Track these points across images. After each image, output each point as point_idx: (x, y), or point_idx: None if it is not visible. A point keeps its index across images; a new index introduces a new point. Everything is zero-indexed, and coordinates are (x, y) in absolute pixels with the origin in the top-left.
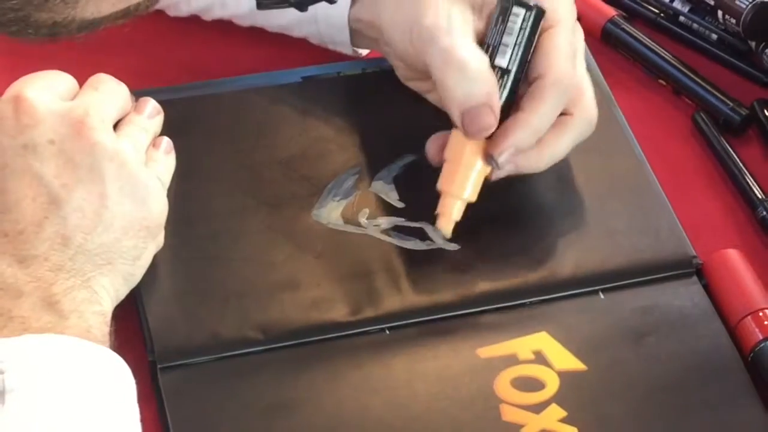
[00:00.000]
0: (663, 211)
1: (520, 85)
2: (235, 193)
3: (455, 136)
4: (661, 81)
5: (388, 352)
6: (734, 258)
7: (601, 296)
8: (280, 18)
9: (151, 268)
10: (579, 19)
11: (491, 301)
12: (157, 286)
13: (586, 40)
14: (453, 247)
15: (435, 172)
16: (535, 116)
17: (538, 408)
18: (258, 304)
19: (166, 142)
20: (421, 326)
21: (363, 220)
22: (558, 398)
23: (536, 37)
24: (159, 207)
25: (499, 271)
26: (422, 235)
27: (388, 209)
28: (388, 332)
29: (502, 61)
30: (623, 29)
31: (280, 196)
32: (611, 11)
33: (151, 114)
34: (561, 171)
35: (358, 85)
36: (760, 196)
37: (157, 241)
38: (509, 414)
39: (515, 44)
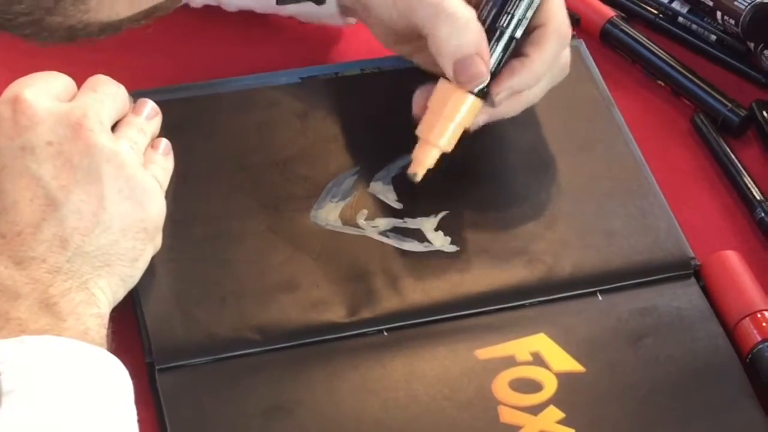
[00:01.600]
0: (661, 212)
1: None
2: (233, 194)
3: (441, 86)
4: (659, 82)
5: (387, 353)
6: (732, 259)
7: (599, 297)
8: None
9: (149, 269)
10: (578, 20)
11: (489, 303)
12: (155, 287)
13: (586, 41)
14: (452, 248)
15: (434, 172)
16: (539, 61)
17: (536, 409)
18: (256, 306)
19: (165, 143)
20: (419, 327)
21: (361, 222)
22: (556, 400)
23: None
24: (157, 209)
25: (497, 272)
26: (420, 237)
27: (387, 210)
28: (386, 333)
29: (503, 22)
30: (622, 30)
31: (279, 197)
32: (610, 12)
33: (150, 115)
34: (560, 172)
35: (356, 85)
36: (758, 198)
37: (155, 243)
38: (507, 415)
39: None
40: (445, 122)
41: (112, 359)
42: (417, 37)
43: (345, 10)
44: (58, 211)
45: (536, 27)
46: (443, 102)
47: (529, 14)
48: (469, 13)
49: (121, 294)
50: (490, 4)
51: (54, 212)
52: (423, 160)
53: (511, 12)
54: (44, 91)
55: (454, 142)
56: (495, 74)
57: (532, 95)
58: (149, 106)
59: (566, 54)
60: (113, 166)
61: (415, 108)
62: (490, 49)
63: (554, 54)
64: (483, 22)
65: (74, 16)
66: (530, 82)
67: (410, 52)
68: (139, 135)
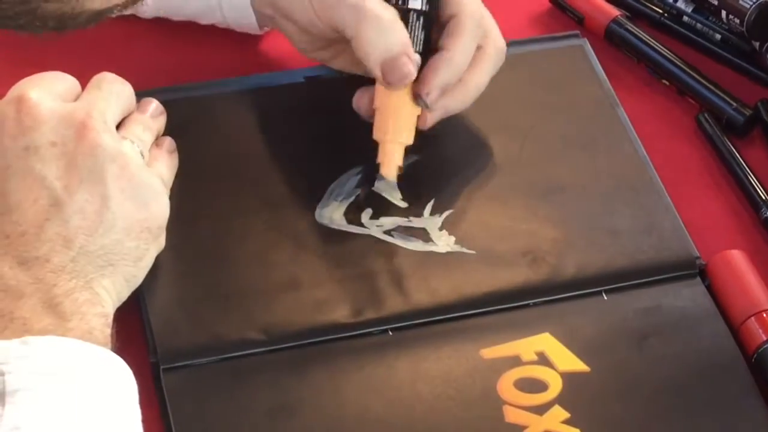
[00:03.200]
0: (666, 211)
1: (434, 27)
2: (238, 193)
3: (380, 86)
4: (664, 81)
5: (391, 353)
6: (738, 259)
7: (604, 297)
8: (185, 8)
9: (153, 269)
10: (582, 19)
11: (494, 303)
12: (160, 287)
13: (590, 40)
14: (456, 248)
15: (439, 171)
16: (458, 53)
17: (541, 409)
18: (260, 305)
19: (169, 142)
20: (424, 327)
21: (366, 221)
22: (561, 399)
23: None
24: (161, 208)
25: (502, 272)
26: (425, 236)
27: (391, 209)
28: (390, 333)
29: (416, 3)
30: (627, 29)
31: (283, 196)
32: (615, 11)
33: (155, 114)
34: (564, 171)
35: (361, 85)
36: (763, 197)
37: (159, 243)
38: (512, 415)
39: None
40: (396, 119)
41: (116, 359)
42: (337, 41)
43: (263, 19)
44: (62, 211)
45: (450, 17)
46: (387, 101)
47: None
48: (392, 13)
49: (125, 294)
50: None
51: (58, 212)
52: (389, 160)
53: None
54: (48, 91)
55: (412, 132)
56: (423, 53)
57: (477, 84)
58: (154, 104)
59: (500, 38)
60: (117, 166)
61: (361, 110)
62: (411, 32)
63: (471, 42)
64: (395, 5)
65: (69, 3)
66: (455, 74)
67: (330, 57)
68: (145, 133)
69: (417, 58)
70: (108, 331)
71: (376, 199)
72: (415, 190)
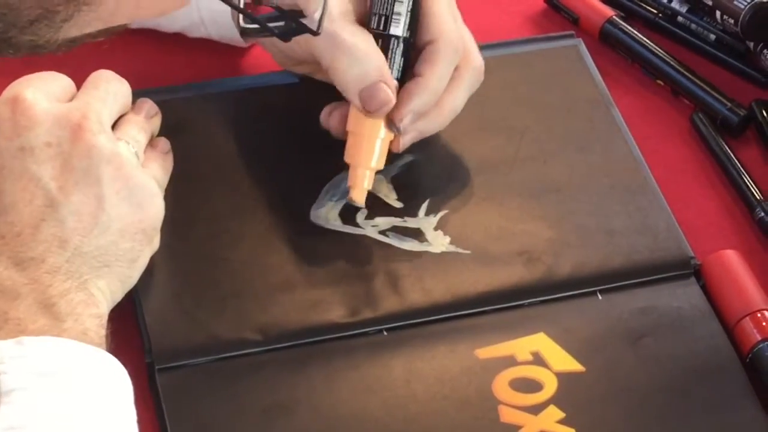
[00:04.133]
0: (661, 211)
1: (411, 51)
2: (233, 193)
3: (355, 110)
4: (659, 81)
5: (386, 353)
6: (732, 259)
7: (599, 297)
8: (174, 25)
9: (148, 269)
10: (577, 19)
11: (489, 302)
12: (155, 287)
13: (585, 40)
14: (451, 248)
15: (434, 172)
16: (434, 79)
17: (536, 409)
18: (256, 305)
19: (164, 142)
20: (419, 327)
21: (361, 221)
22: (556, 399)
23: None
24: (155, 209)
25: (497, 272)
26: (420, 236)
27: (387, 210)
28: (385, 333)
29: (397, 30)
30: (621, 29)
31: (278, 196)
32: (609, 11)
33: (149, 114)
34: (559, 172)
35: None
36: (758, 197)
37: (153, 244)
38: (507, 415)
39: (406, 12)
40: (369, 145)
41: (111, 360)
42: (316, 62)
43: (247, 37)
44: (57, 212)
45: (426, 43)
46: (361, 125)
47: (410, 6)
48: (366, 42)
49: (119, 295)
50: (378, 12)
51: (53, 213)
52: (360, 185)
53: (400, 13)
54: (44, 91)
55: (384, 157)
56: (400, 80)
57: (453, 107)
58: (149, 105)
59: (478, 58)
60: (112, 167)
61: (331, 127)
62: (389, 58)
63: (448, 67)
64: (374, 31)
65: (44, 36)
66: (430, 101)
67: (311, 71)
68: (140, 134)
69: (395, 84)
70: (102, 331)
71: (372, 200)
72: (410, 191)
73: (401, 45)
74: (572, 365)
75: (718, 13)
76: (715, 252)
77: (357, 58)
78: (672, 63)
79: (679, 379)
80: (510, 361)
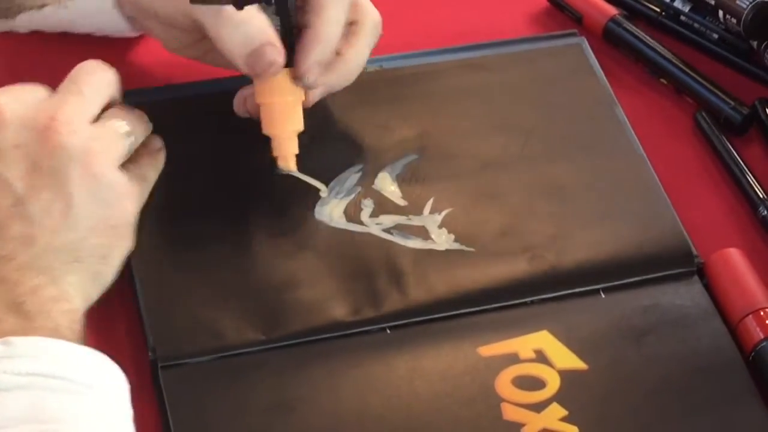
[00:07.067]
0: (664, 210)
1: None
2: (237, 191)
3: (259, 81)
4: (662, 80)
5: (390, 351)
6: (735, 257)
7: (602, 295)
8: (59, 24)
9: (150, 267)
10: (581, 18)
11: (492, 300)
12: (158, 285)
13: (588, 39)
14: (455, 246)
15: (438, 170)
16: (324, 26)
17: (539, 407)
18: (259, 304)
19: (156, 140)
20: (422, 325)
21: (365, 219)
22: (559, 397)
23: None
24: (126, 207)
25: (500, 269)
26: (424, 234)
27: (391, 207)
28: (389, 331)
29: None
30: (625, 28)
31: (282, 194)
32: (613, 10)
33: (133, 111)
34: (563, 170)
35: (359, 83)
36: (761, 196)
37: (127, 241)
38: (510, 413)
39: None
40: (282, 110)
41: (106, 360)
42: (204, 37)
43: (133, 22)
44: (26, 210)
45: (350, 23)
46: (269, 94)
47: None
48: (247, 8)
49: (93, 292)
50: None
51: (21, 211)
52: (287, 153)
53: None
54: (15, 97)
55: (300, 117)
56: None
57: (357, 60)
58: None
59: (374, 11)
60: (80, 166)
61: (244, 112)
62: (275, 20)
63: (337, 13)
64: None
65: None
66: (328, 47)
67: (201, 54)
68: (119, 130)
69: (280, 45)
70: (76, 327)
71: (376, 197)
72: (414, 189)
73: (286, 5)
74: (575, 363)
75: (720, 12)
76: (718, 250)
77: (238, 23)
78: (675, 62)
79: (681, 377)
80: (513, 359)
